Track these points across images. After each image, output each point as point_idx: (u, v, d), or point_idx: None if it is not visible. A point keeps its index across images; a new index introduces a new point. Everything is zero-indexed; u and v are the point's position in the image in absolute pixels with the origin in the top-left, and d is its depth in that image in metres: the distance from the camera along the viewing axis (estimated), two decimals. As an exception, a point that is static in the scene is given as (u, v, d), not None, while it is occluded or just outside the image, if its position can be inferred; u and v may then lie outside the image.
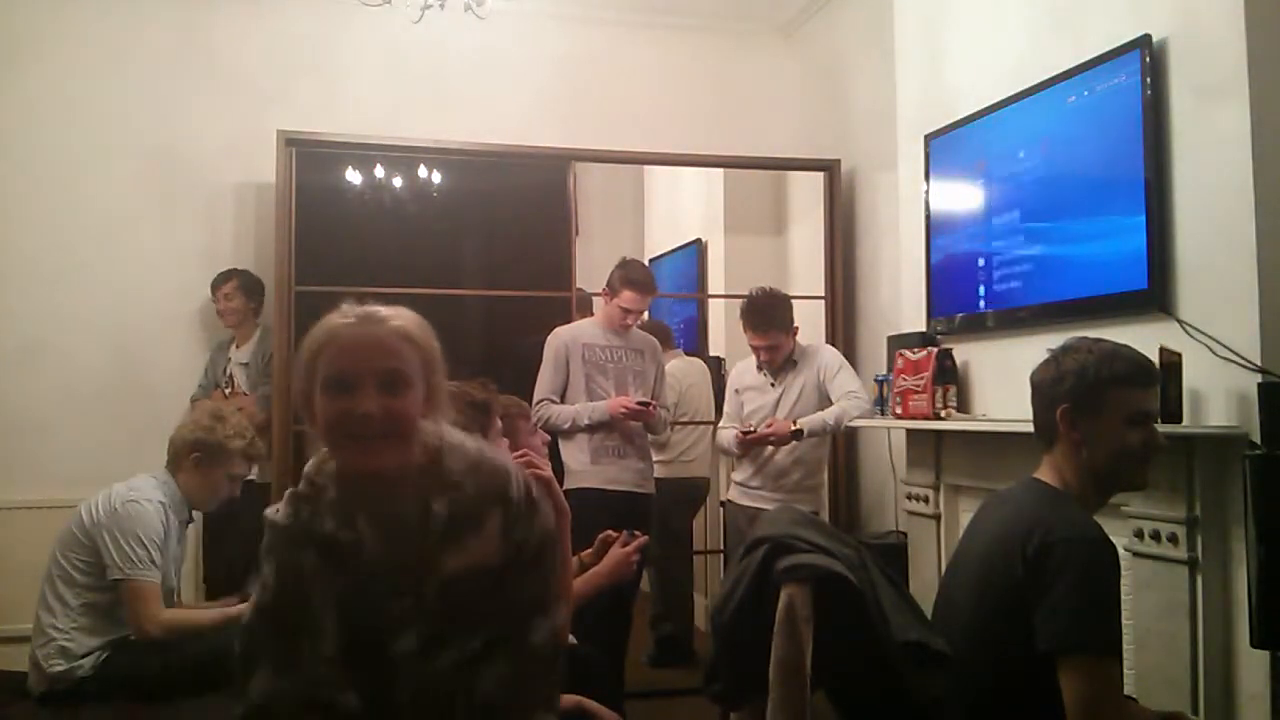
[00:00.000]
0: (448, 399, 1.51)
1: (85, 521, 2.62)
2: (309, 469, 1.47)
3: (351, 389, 1.38)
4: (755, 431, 3.60)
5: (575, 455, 3.60)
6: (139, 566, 2.55)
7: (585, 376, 3.62)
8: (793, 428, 3.55)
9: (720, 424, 3.93)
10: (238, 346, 4.32)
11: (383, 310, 1.45)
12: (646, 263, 4.01)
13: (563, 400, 3.63)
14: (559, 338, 3.69)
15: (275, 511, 1.45)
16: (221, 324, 4.34)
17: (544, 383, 3.62)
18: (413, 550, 1.40)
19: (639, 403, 3.57)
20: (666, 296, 4.98)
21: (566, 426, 3.58)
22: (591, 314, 4.05)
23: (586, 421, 3.56)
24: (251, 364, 4.26)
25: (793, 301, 3.73)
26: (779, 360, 3.68)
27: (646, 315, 3.88)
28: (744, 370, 3.84)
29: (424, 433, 1.44)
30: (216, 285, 4.29)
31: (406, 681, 1.38)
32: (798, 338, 3.73)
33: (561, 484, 2.48)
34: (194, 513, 2.87)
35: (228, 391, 4.23)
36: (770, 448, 3.65)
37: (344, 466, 1.43)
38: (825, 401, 3.65)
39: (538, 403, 3.58)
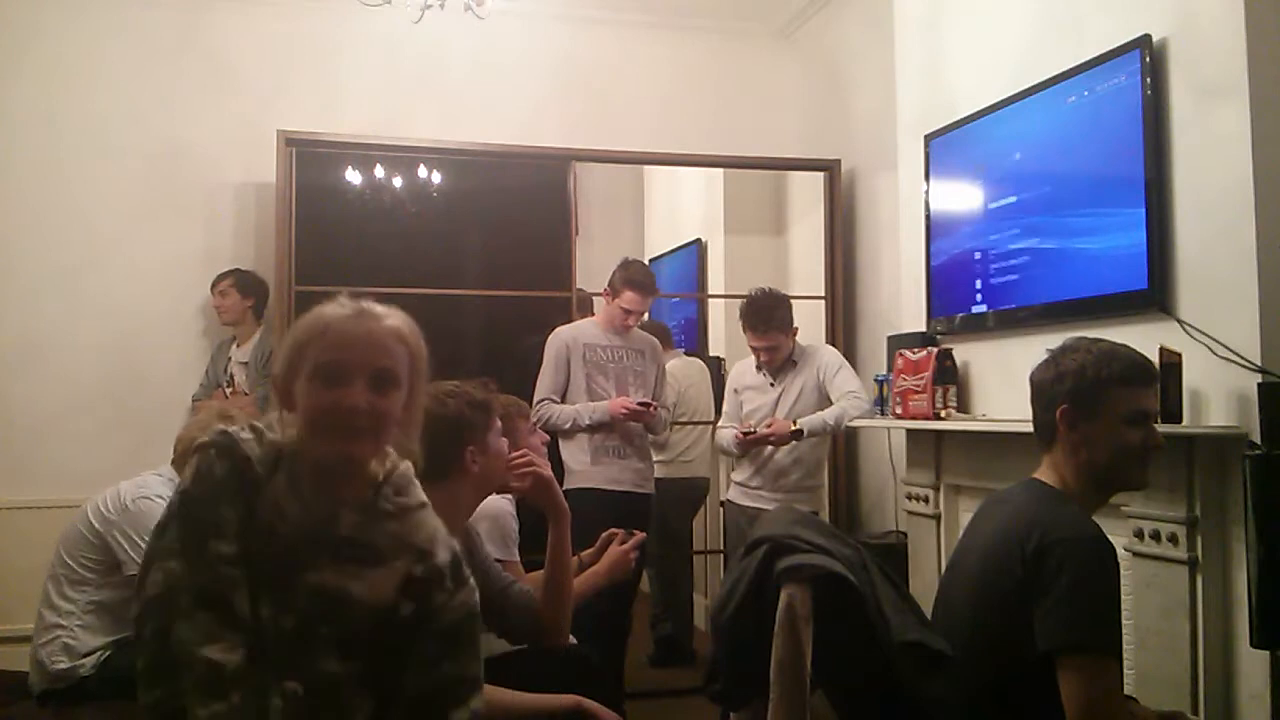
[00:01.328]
0: (424, 405, 1.50)
1: (94, 520, 2.62)
2: (262, 422, 1.46)
3: (343, 381, 1.38)
4: (755, 432, 3.60)
5: (576, 455, 3.60)
6: None
7: (586, 376, 3.62)
8: (792, 428, 3.55)
9: (720, 424, 3.93)
10: (239, 345, 4.33)
11: (378, 307, 1.45)
12: (646, 263, 4.01)
13: (563, 400, 3.63)
14: (559, 338, 3.69)
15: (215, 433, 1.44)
16: (220, 322, 4.34)
17: (544, 383, 3.63)
18: (307, 535, 1.38)
19: (639, 403, 3.57)
20: (666, 296, 4.98)
21: (567, 427, 3.58)
22: (591, 314, 4.05)
23: (587, 422, 3.56)
24: (251, 363, 4.26)
25: (792, 302, 3.73)
26: (779, 361, 3.68)
27: (646, 315, 3.88)
28: (744, 370, 3.84)
29: (393, 442, 1.45)
30: (214, 283, 4.32)
31: (312, 609, 1.36)
32: (797, 338, 3.73)
33: (561, 484, 2.48)
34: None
35: (228, 391, 4.23)
36: (770, 448, 3.65)
37: (314, 452, 1.41)
38: (825, 401, 3.65)
39: (538, 403, 3.58)
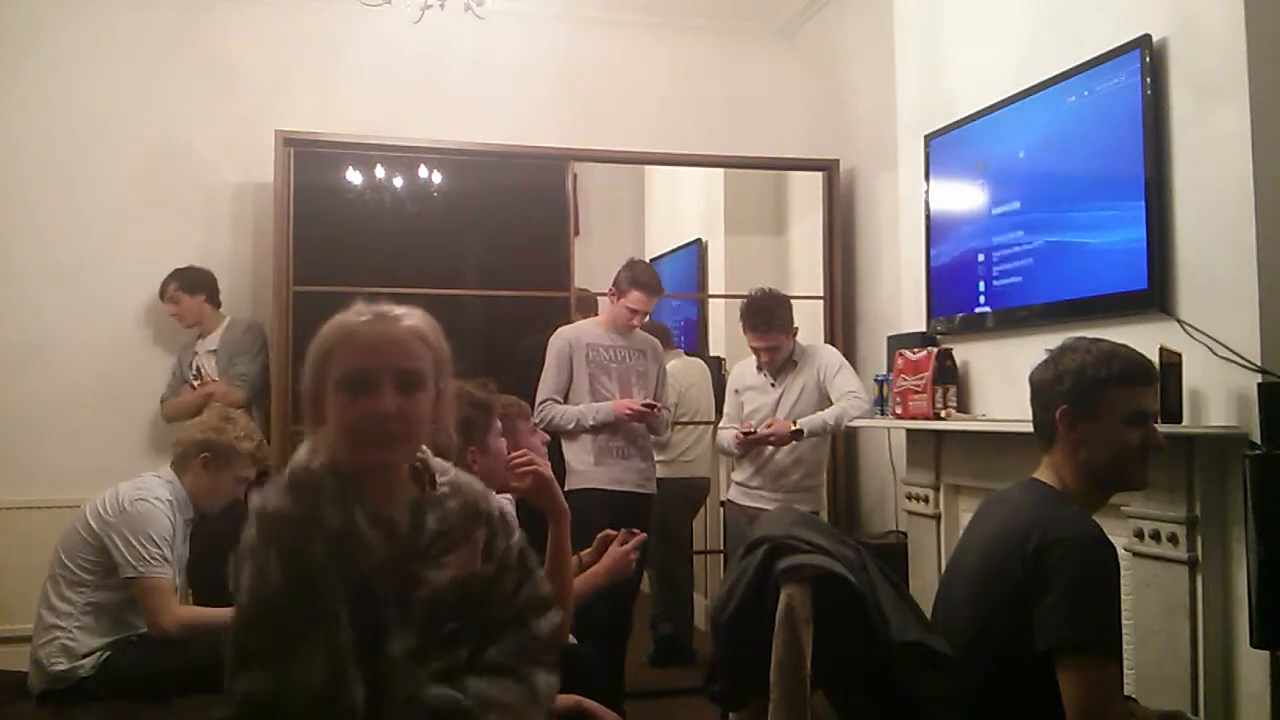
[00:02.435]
0: (453, 403, 1.50)
1: (92, 521, 2.61)
2: (299, 461, 1.41)
3: (369, 388, 1.36)
4: (755, 432, 3.60)
5: (579, 455, 3.60)
6: (152, 564, 2.55)
7: (589, 376, 3.62)
8: (793, 428, 3.55)
9: (720, 424, 3.93)
10: (203, 338, 4.25)
11: (396, 309, 1.43)
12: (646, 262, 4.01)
13: (565, 401, 3.63)
14: (562, 337, 3.69)
15: (267, 501, 1.37)
16: (184, 327, 4.26)
17: (547, 383, 3.62)
18: (406, 554, 1.39)
19: (645, 404, 3.57)
20: (667, 296, 4.97)
21: (571, 427, 3.58)
22: (591, 314, 4.05)
23: (591, 422, 3.56)
24: (221, 349, 4.19)
25: (792, 302, 3.73)
26: (779, 361, 3.68)
27: (648, 316, 3.89)
28: (744, 370, 3.84)
29: (426, 439, 1.45)
30: (161, 295, 4.22)
31: (401, 685, 1.35)
32: (797, 338, 3.73)
33: (562, 484, 2.48)
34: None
35: (196, 384, 4.16)
36: (770, 448, 3.65)
37: (351, 463, 1.38)
38: (825, 401, 3.65)
39: (541, 403, 3.58)
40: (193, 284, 4.21)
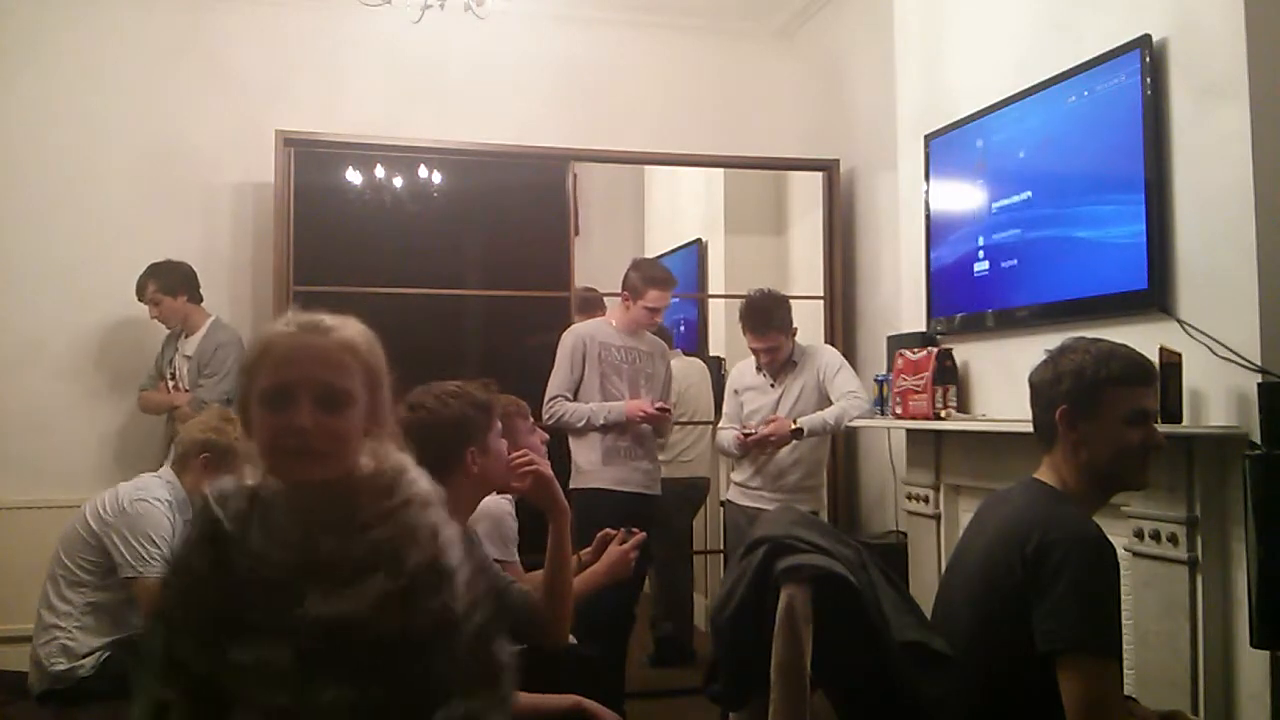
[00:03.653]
0: (393, 417, 1.43)
1: (92, 522, 2.62)
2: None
3: (286, 402, 1.30)
4: (756, 433, 3.59)
5: (585, 455, 3.60)
6: (152, 564, 2.55)
7: (600, 376, 3.62)
8: (793, 426, 3.55)
9: (720, 425, 3.92)
10: (186, 336, 4.13)
11: (327, 319, 1.36)
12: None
13: (575, 399, 3.63)
14: (575, 335, 3.69)
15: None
16: (168, 329, 4.18)
17: (558, 380, 3.62)
18: (295, 573, 1.31)
19: (659, 407, 3.58)
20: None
21: (580, 425, 3.58)
22: (595, 313, 4.05)
23: (602, 421, 3.56)
24: (195, 359, 4.06)
25: (792, 302, 3.72)
26: (779, 361, 3.68)
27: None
28: (744, 371, 3.83)
29: (361, 455, 1.36)
30: (139, 297, 4.09)
31: (307, 641, 1.28)
32: (797, 338, 3.73)
33: (564, 484, 2.48)
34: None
35: (171, 386, 4.07)
36: (770, 448, 3.64)
37: (275, 478, 1.36)
38: (825, 402, 3.65)
39: (551, 399, 3.58)
40: (172, 285, 4.07)
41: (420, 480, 1.40)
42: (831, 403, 3.62)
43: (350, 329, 1.37)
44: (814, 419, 3.57)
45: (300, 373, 1.32)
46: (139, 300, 4.09)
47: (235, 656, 1.29)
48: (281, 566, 1.31)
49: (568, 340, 3.68)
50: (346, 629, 1.28)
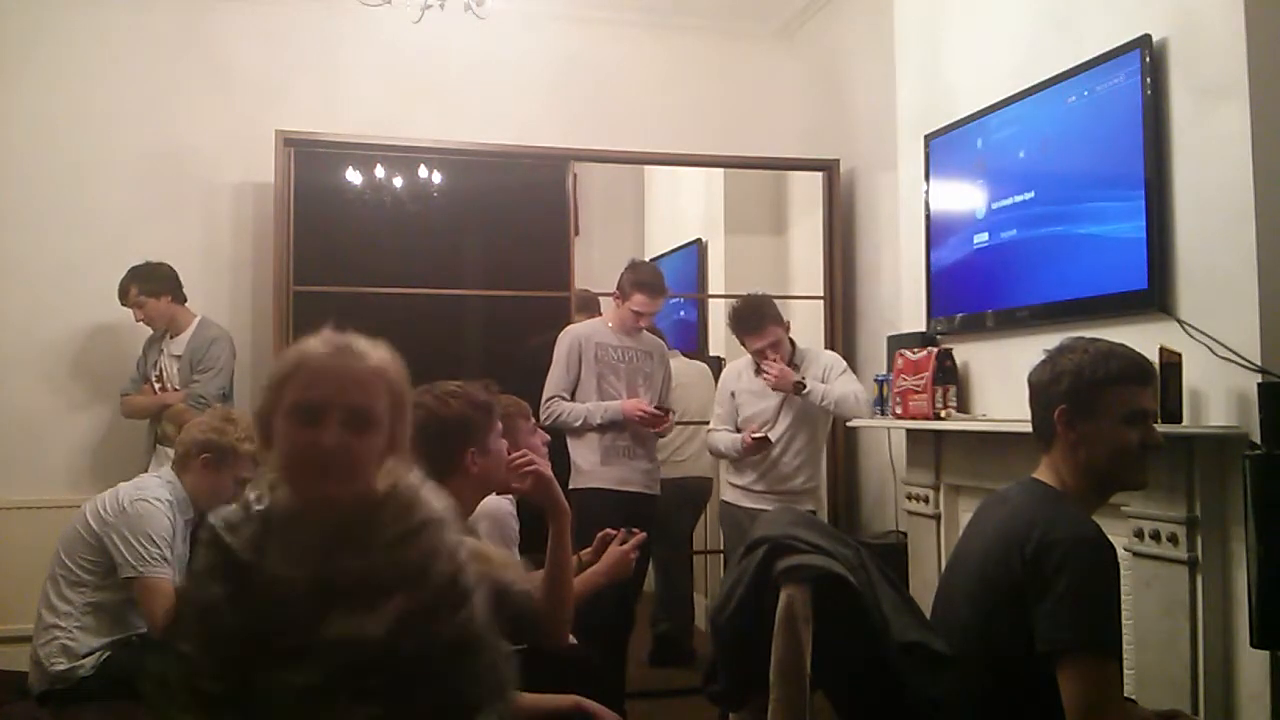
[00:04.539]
0: (409, 446, 1.46)
1: (92, 522, 2.61)
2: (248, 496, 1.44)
3: (316, 420, 1.34)
4: (765, 437, 3.56)
5: (585, 455, 3.60)
6: (152, 564, 2.55)
7: (597, 375, 3.62)
8: (796, 378, 3.54)
9: (712, 426, 3.85)
10: (172, 337, 4.07)
11: (361, 343, 1.41)
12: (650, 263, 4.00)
13: (572, 399, 3.62)
14: (571, 335, 3.69)
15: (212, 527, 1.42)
16: (153, 331, 4.11)
17: (555, 380, 3.62)
18: (311, 594, 1.33)
19: (657, 409, 3.57)
20: (669, 296, 4.97)
21: (577, 425, 3.58)
22: (593, 314, 4.05)
23: (599, 420, 3.56)
24: (185, 358, 4.00)
25: (792, 302, 3.72)
26: (785, 354, 3.65)
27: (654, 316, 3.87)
28: (739, 372, 3.78)
29: (379, 478, 1.39)
30: (123, 301, 4.01)
31: (330, 662, 1.30)
32: (798, 343, 3.72)
33: (564, 484, 2.48)
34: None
35: (158, 387, 4.02)
36: (773, 450, 3.63)
37: (292, 494, 1.38)
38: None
39: (548, 399, 3.58)
40: (155, 287, 3.99)
41: (435, 500, 1.44)
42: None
43: (382, 355, 1.42)
44: (818, 386, 3.56)
45: (332, 392, 1.36)
46: (122, 304, 4.03)
47: (260, 682, 1.30)
48: (302, 587, 1.33)
49: (564, 340, 3.68)
50: (370, 648, 1.30)
